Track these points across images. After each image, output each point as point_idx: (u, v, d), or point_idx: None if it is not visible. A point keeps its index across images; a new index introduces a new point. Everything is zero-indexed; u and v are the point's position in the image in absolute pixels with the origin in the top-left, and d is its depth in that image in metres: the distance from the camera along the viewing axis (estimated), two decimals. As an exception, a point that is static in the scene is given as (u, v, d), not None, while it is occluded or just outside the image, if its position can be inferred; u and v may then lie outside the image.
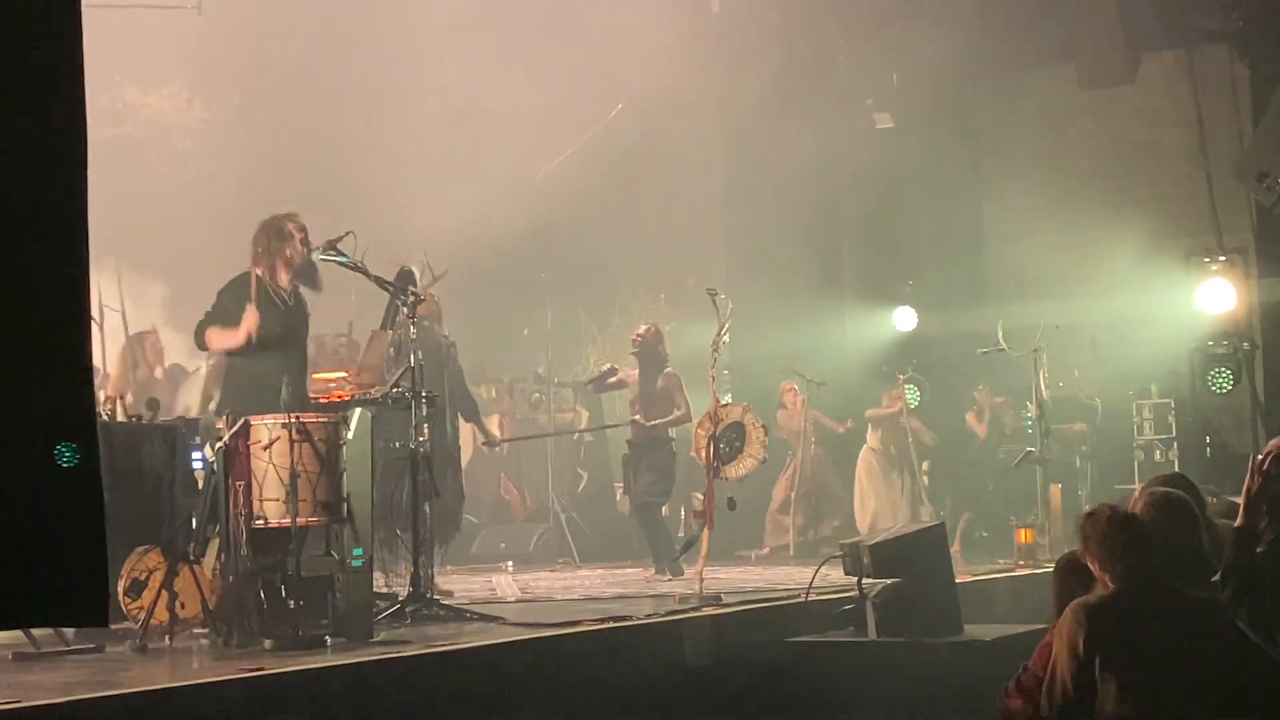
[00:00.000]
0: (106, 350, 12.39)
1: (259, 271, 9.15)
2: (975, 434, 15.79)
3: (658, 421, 13.06)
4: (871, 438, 15.84)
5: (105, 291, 12.45)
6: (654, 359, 13.25)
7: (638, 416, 13.12)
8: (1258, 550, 5.31)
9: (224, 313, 9.04)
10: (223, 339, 9.07)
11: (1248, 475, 5.34)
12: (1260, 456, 5.35)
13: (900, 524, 13.30)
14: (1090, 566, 5.56)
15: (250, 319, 8.89)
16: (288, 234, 9.18)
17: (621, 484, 14.37)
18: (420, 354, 9.65)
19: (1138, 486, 10.58)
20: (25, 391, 4.64)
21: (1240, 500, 5.41)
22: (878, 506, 15.46)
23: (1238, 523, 5.31)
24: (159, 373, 12.87)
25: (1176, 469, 13.37)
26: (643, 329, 13.52)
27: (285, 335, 9.13)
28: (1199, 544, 5.66)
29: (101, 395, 9.68)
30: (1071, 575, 5.86)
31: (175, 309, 14.39)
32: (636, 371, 13.38)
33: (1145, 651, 5.33)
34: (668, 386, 13.16)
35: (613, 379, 13.89)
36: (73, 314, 4.81)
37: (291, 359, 9.12)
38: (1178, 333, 15.14)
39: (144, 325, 13.28)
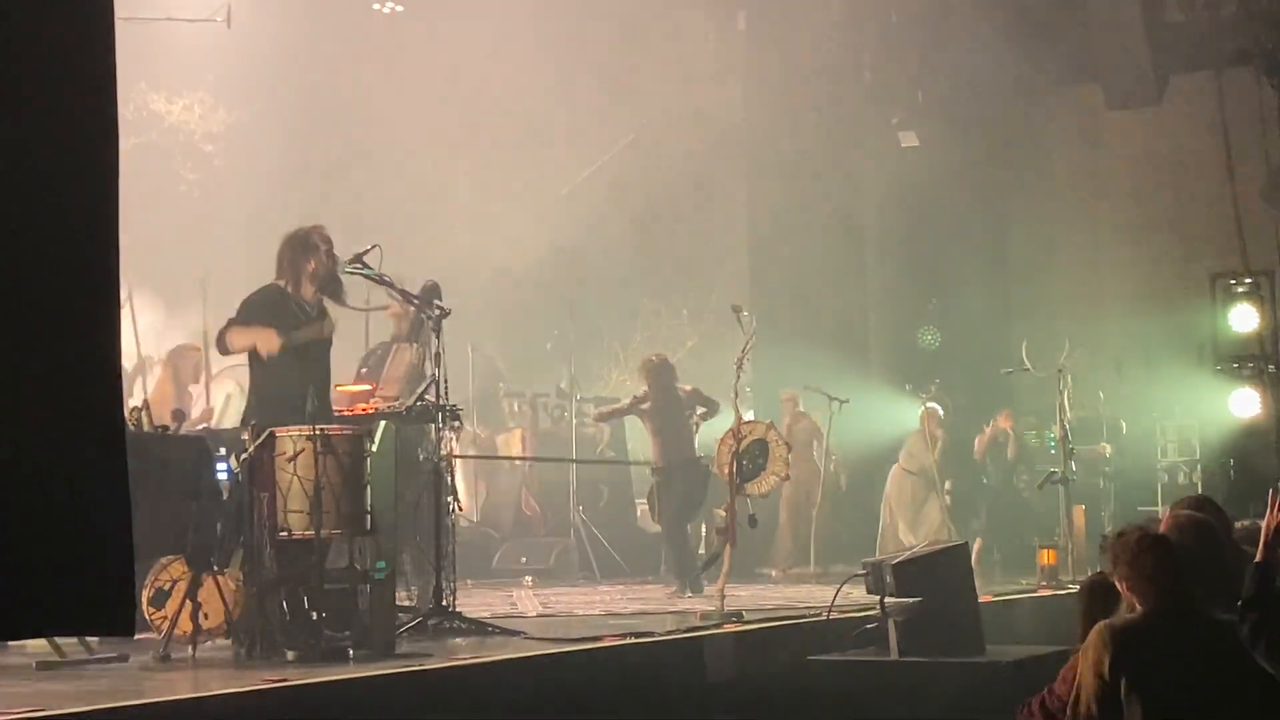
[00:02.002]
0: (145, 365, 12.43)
1: (283, 284, 9.17)
2: (1002, 455, 15.76)
3: (693, 418, 13.02)
4: (906, 458, 15.79)
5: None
6: (664, 390, 13.22)
7: (657, 463, 13.15)
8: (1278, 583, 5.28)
9: (247, 321, 9.05)
10: (243, 340, 9.06)
11: (1269, 511, 5.32)
12: None
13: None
14: (1118, 587, 5.54)
15: (270, 339, 8.84)
16: (313, 246, 9.18)
17: (644, 500, 14.36)
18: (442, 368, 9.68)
19: (1161, 508, 10.58)
20: (54, 401, 4.66)
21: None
22: (914, 531, 15.32)
23: (1256, 557, 5.28)
24: (193, 389, 12.90)
25: (1200, 491, 13.33)
26: (652, 359, 13.48)
27: (310, 347, 9.13)
28: (1224, 567, 5.64)
29: (128, 405, 9.70)
30: (1097, 597, 5.84)
31: (193, 316, 14.42)
32: (647, 403, 13.33)
33: (1171, 675, 5.30)
34: (690, 403, 13.18)
35: (619, 406, 13.81)
36: (103, 326, 4.84)
37: (316, 371, 9.13)
38: (1202, 354, 15.09)
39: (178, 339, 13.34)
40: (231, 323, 9.12)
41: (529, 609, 11.66)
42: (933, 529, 15.17)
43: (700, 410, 13.26)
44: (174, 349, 12.93)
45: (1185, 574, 5.44)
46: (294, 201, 13.77)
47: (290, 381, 8.84)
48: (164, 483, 8.99)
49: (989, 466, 15.72)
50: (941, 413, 15.94)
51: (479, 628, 9.42)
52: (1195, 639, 5.34)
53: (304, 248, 9.18)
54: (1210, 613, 5.42)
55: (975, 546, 14.89)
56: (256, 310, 9.08)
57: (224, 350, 9.34)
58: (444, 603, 9.44)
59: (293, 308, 9.09)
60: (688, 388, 13.42)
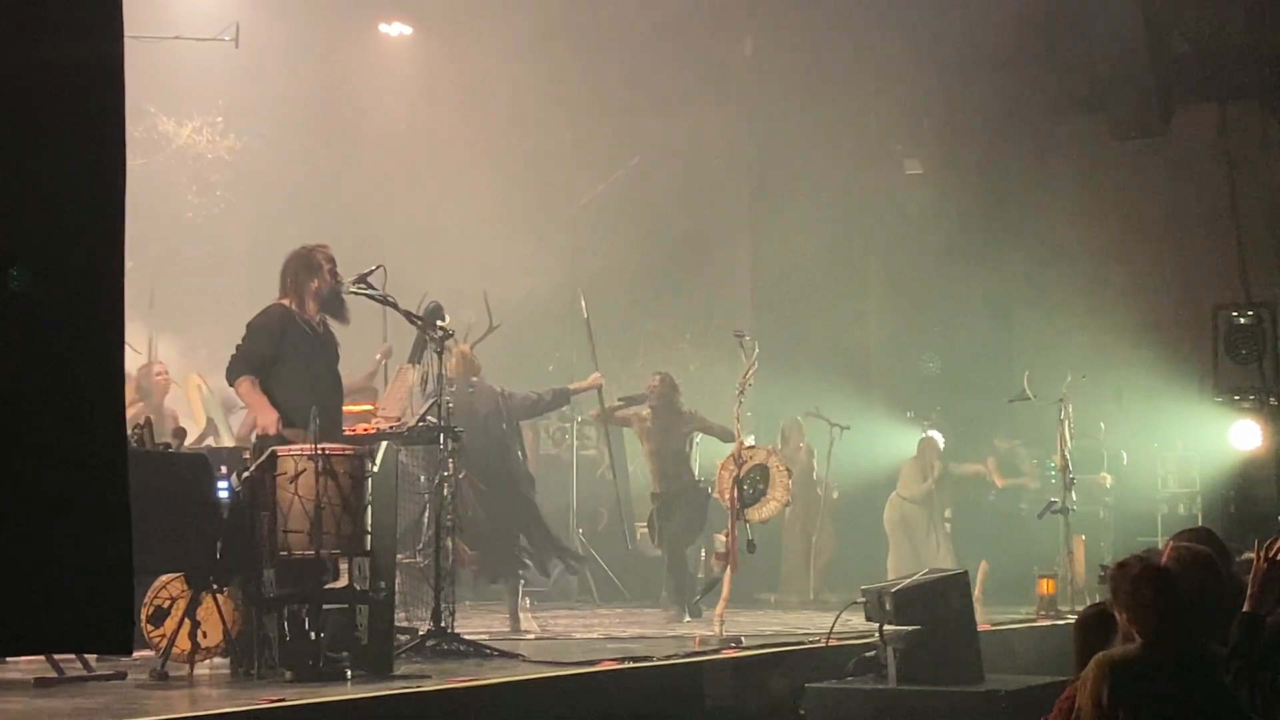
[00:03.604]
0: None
1: (286, 302, 9.18)
2: (992, 483, 15.73)
3: (692, 425, 12.99)
4: (903, 485, 15.76)
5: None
6: (669, 411, 13.16)
7: (656, 488, 13.13)
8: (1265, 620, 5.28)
9: (255, 350, 9.04)
10: (250, 401, 9.07)
11: (1256, 560, 5.32)
12: (1270, 540, 5.33)
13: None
14: (1118, 618, 5.54)
15: (271, 419, 8.86)
16: (316, 265, 9.19)
17: (645, 524, 14.33)
18: (449, 392, 9.71)
19: (1161, 539, 10.57)
20: (57, 419, 4.67)
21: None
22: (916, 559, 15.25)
23: (1245, 607, 5.28)
24: (165, 403, 12.87)
25: (1200, 523, 13.32)
26: (655, 379, 13.41)
27: (316, 364, 9.13)
28: (1224, 600, 5.64)
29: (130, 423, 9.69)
30: (1095, 628, 5.84)
31: (203, 337, 14.43)
32: (650, 420, 13.28)
33: (1169, 708, 5.30)
34: (693, 425, 13.15)
35: (624, 411, 13.77)
36: (106, 344, 4.85)
37: (323, 388, 9.12)
38: (1203, 385, 15.08)
39: (162, 356, 13.32)
40: (241, 353, 9.07)
41: (528, 631, 11.65)
42: (933, 556, 15.12)
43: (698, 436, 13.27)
44: (141, 368, 12.91)
45: (1185, 606, 5.44)
46: (299, 221, 13.77)
47: (298, 399, 8.85)
48: (164, 500, 8.99)
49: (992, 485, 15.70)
50: (941, 442, 15.92)
51: (477, 650, 9.42)
52: (1194, 672, 5.34)
53: (307, 266, 9.19)
54: (1210, 646, 5.42)
55: (980, 572, 14.87)
56: (263, 334, 9.06)
57: (232, 386, 9.33)
58: (443, 624, 9.44)
59: (299, 325, 9.10)
60: (686, 410, 13.39)
